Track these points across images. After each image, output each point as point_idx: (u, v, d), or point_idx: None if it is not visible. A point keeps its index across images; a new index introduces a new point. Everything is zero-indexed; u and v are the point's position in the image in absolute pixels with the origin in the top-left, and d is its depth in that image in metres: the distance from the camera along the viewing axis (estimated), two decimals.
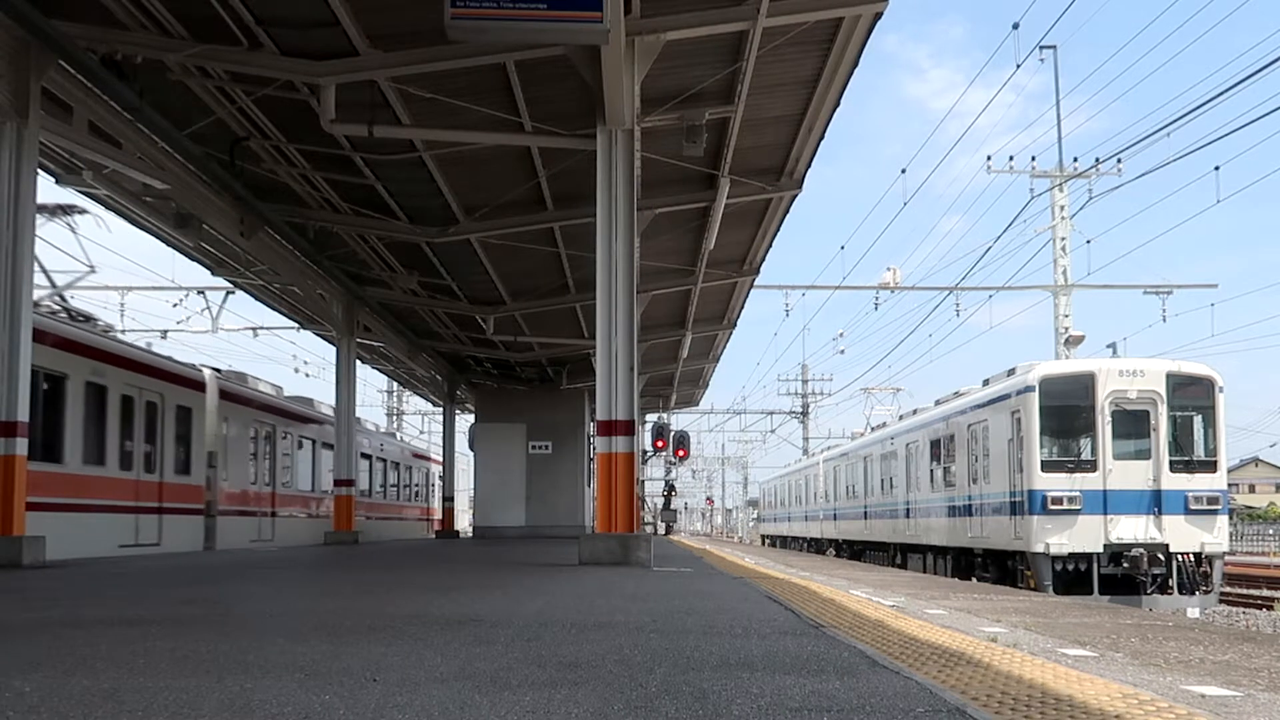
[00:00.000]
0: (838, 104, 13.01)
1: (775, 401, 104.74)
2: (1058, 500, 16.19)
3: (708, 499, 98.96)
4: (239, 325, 40.67)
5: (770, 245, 19.03)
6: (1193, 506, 16.19)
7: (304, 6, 10.33)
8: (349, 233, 17.74)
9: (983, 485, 18.76)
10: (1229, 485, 17.86)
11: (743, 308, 24.35)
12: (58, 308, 15.91)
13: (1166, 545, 16.05)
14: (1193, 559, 16.13)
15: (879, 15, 10.96)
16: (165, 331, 29.64)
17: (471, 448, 29.87)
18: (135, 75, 11.20)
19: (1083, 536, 16.10)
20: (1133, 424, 16.50)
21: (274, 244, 17.62)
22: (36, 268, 10.93)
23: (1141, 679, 3.98)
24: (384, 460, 30.61)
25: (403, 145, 13.70)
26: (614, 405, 10.60)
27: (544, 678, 3.20)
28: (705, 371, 33.92)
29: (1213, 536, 16.21)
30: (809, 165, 15.19)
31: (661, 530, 41.56)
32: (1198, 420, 16.66)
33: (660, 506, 42.60)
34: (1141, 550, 15.94)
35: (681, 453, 34.69)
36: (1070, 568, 16.17)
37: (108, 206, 16.04)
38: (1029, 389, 16.77)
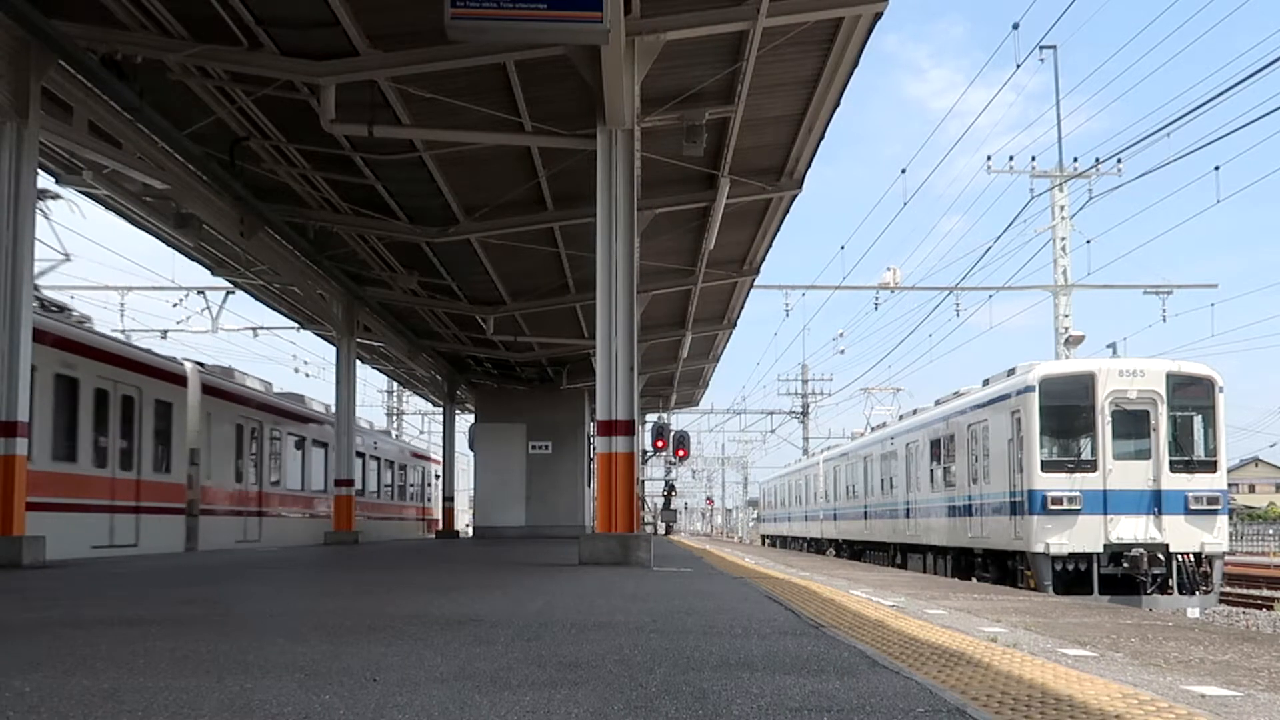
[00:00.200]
0: (838, 104, 13.02)
1: (775, 401, 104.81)
2: (1058, 500, 16.19)
3: (708, 499, 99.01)
4: (239, 325, 40.68)
5: (770, 245, 19.04)
6: (1193, 506, 16.20)
7: (304, 6, 10.33)
8: (349, 233, 17.74)
9: (983, 485, 18.76)
10: (1229, 485, 17.86)
11: (743, 308, 24.38)
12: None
13: (1166, 545, 16.06)
14: (1193, 559, 16.13)
15: (879, 15, 10.97)
16: (165, 331, 29.63)
17: (471, 448, 29.87)
18: (135, 75, 11.20)
19: (1083, 536, 16.10)
20: (1133, 424, 16.50)
21: (274, 244, 17.62)
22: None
23: (1141, 679, 3.98)
24: (378, 459, 30.21)
25: (403, 145, 13.70)
26: (614, 405, 10.60)
27: (544, 678, 3.20)
28: (705, 371, 33.92)
29: (1213, 536, 16.21)
30: (809, 165, 15.20)
31: (661, 530, 41.56)
32: (1198, 420, 16.66)
33: (660, 506, 42.59)
34: (1141, 550, 15.95)
35: (681, 453, 34.69)
36: (1070, 568, 16.18)
37: (108, 206, 16.04)
38: (1029, 389, 16.78)
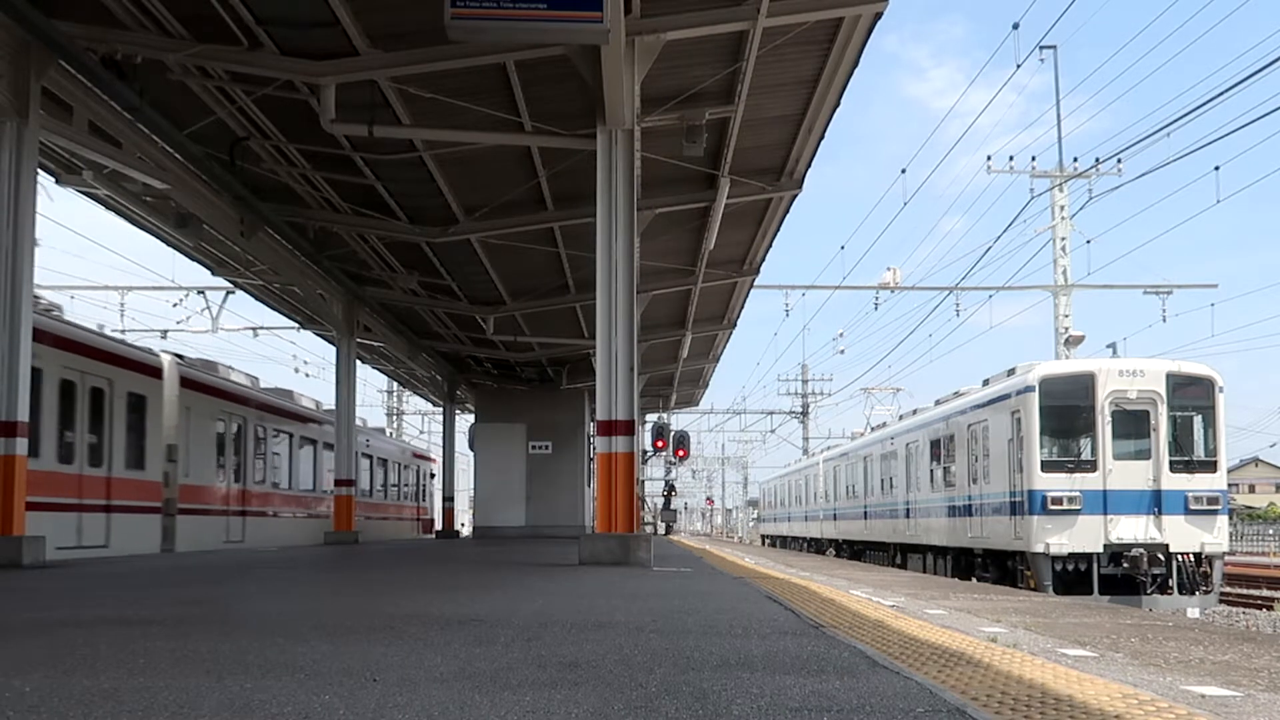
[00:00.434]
0: (838, 104, 13.02)
1: (775, 401, 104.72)
2: (1058, 500, 16.19)
3: (708, 499, 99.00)
4: (239, 325, 40.65)
5: (770, 245, 19.05)
6: (1193, 506, 16.20)
7: (304, 6, 10.33)
8: (349, 233, 17.74)
9: (983, 485, 18.76)
10: (1229, 485, 17.86)
11: (743, 308, 24.38)
12: None
13: (1166, 545, 16.06)
14: (1193, 559, 16.13)
15: (879, 15, 10.97)
16: (165, 331, 29.66)
17: (471, 448, 29.85)
18: (135, 75, 11.20)
19: (1083, 536, 16.10)
20: (1133, 424, 16.50)
21: (274, 244, 17.62)
22: None
23: (1141, 679, 3.98)
24: (370, 458, 29.41)
25: (403, 145, 13.70)
26: (614, 405, 10.60)
27: (544, 678, 3.20)
28: (705, 371, 33.92)
29: (1213, 536, 16.21)
30: (809, 165, 15.20)
31: (661, 530, 41.55)
32: (1198, 420, 16.67)
33: (660, 506, 42.59)
34: (1141, 550, 15.95)
35: (681, 453, 34.68)
36: (1070, 568, 16.17)
37: (108, 206, 16.05)
38: (1029, 389, 16.78)
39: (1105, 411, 16.43)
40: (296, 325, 27.04)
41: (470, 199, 15.87)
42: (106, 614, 5.28)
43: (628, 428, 10.59)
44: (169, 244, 18.39)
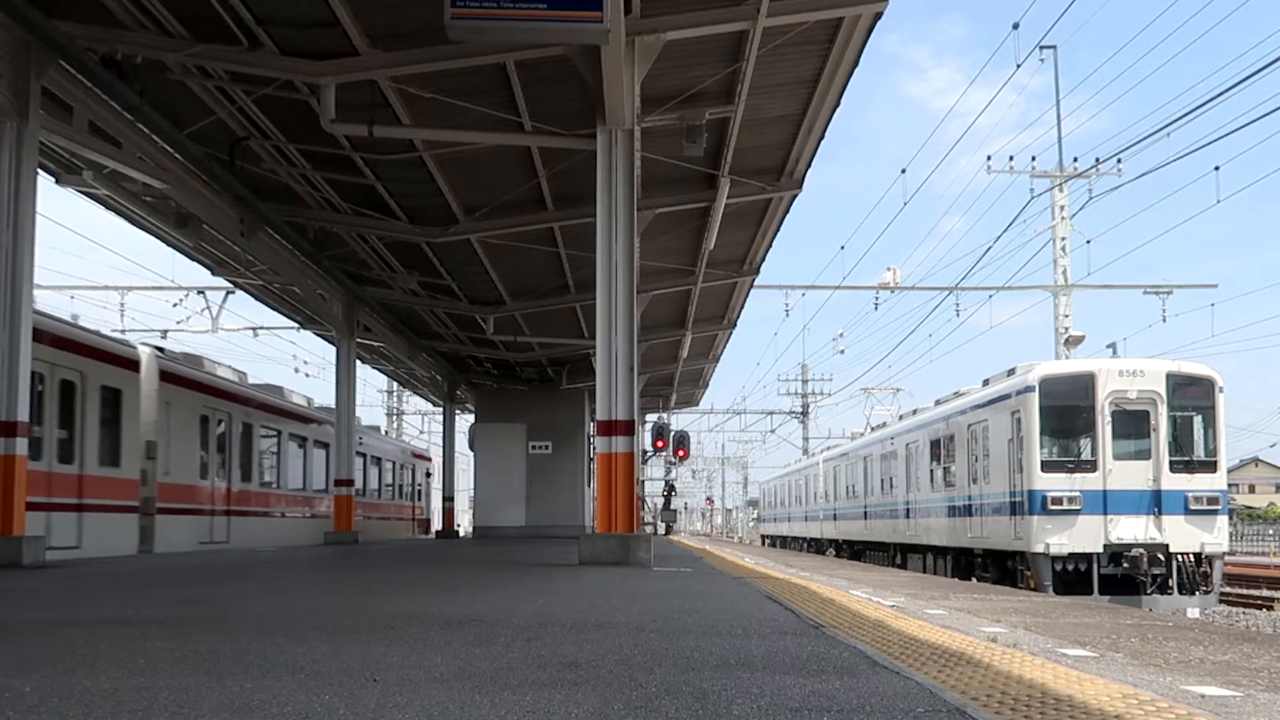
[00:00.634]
0: (838, 104, 13.02)
1: (775, 401, 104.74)
2: (1058, 500, 16.19)
3: (708, 499, 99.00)
4: (239, 325, 40.65)
5: (770, 245, 19.05)
6: (1193, 507, 16.20)
7: (304, 6, 10.33)
8: (349, 233, 17.74)
9: (983, 485, 18.76)
10: (1229, 485, 17.86)
11: (743, 308, 24.38)
12: None
13: (1166, 545, 16.06)
14: (1193, 559, 16.13)
15: (879, 15, 10.97)
16: (165, 331, 29.65)
17: (471, 448, 29.85)
18: (135, 75, 11.20)
19: (1083, 536, 16.10)
20: (1133, 424, 16.50)
21: (274, 244, 17.62)
22: None
23: (1141, 679, 3.98)
24: (363, 455, 28.28)
25: (403, 145, 13.70)
26: (614, 405, 10.60)
27: (544, 678, 3.20)
28: (705, 371, 33.92)
29: (1213, 536, 16.21)
30: (809, 165, 15.20)
31: (661, 530, 41.56)
32: (1198, 420, 16.67)
33: (660, 506, 42.60)
34: (1141, 550, 15.95)
35: (681, 453, 34.68)
36: (1070, 568, 16.18)
37: (108, 206, 16.05)
38: (1029, 389, 16.78)
39: (1105, 411, 16.43)
40: (296, 325, 27.04)
41: (470, 199, 15.87)
42: (106, 614, 5.28)
43: (628, 428, 10.59)
44: (169, 244, 18.39)
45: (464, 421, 33.87)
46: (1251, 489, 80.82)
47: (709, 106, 12.62)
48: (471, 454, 30.12)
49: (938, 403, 22.79)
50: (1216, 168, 23.92)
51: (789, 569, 13.75)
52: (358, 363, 24.41)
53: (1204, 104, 14.87)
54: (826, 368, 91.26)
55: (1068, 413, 16.71)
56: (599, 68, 9.96)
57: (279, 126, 13.48)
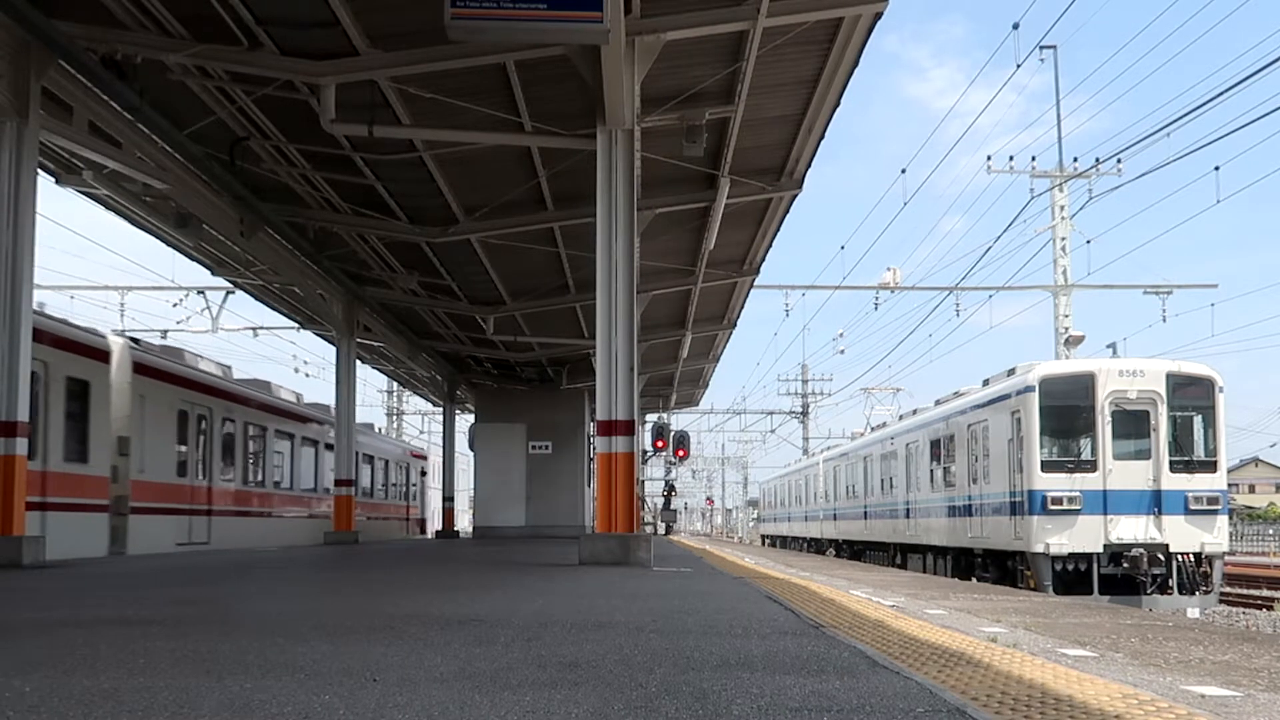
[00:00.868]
0: (838, 104, 13.02)
1: (775, 401, 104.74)
2: (1058, 500, 16.19)
3: (708, 499, 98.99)
4: (239, 325, 40.64)
5: (770, 245, 19.04)
6: (1193, 506, 16.20)
7: (304, 6, 10.33)
8: (349, 233, 17.74)
9: (983, 485, 18.76)
10: (1229, 485, 17.86)
11: (743, 308, 24.38)
12: None
13: (1166, 545, 16.06)
14: (1193, 559, 16.13)
15: (879, 15, 10.97)
16: (165, 331, 29.65)
17: (471, 448, 29.86)
18: (135, 75, 11.20)
19: (1083, 536, 16.10)
20: (1133, 424, 16.50)
21: (274, 244, 17.62)
22: None
23: (1141, 679, 3.98)
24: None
25: (403, 145, 13.70)
26: (614, 405, 10.60)
27: (544, 678, 3.20)
28: (705, 371, 33.92)
29: (1213, 536, 16.21)
30: (809, 165, 15.20)
31: (661, 530, 41.56)
32: (1198, 420, 16.67)
33: (660, 506, 42.60)
34: (1141, 550, 15.94)
35: (681, 453, 34.68)
36: (1070, 568, 16.17)
37: (108, 206, 16.05)
38: (1029, 389, 16.78)
39: (1105, 411, 16.43)
40: (296, 325, 27.05)
41: (470, 199, 15.87)
42: (106, 614, 5.28)
43: (628, 428, 10.59)
44: (169, 244, 18.39)
45: (464, 421, 33.88)
46: (1251, 489, 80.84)
47: (709, 106, 12.62)
48: (471, 454, 30.13)
49: (938, 403, 22.79)
50: (1216, 168, 23.95)
51: (789, 569, 13.75)
52: (358, 363, 24.40)
53: (1204, 104, 14.88)
54: (826, 368, 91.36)
55: (1068, 413, 16.70)
56: (599, 68, 9.96)
57: (279, 126, 13.48)
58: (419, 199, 15.85)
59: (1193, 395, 16.63)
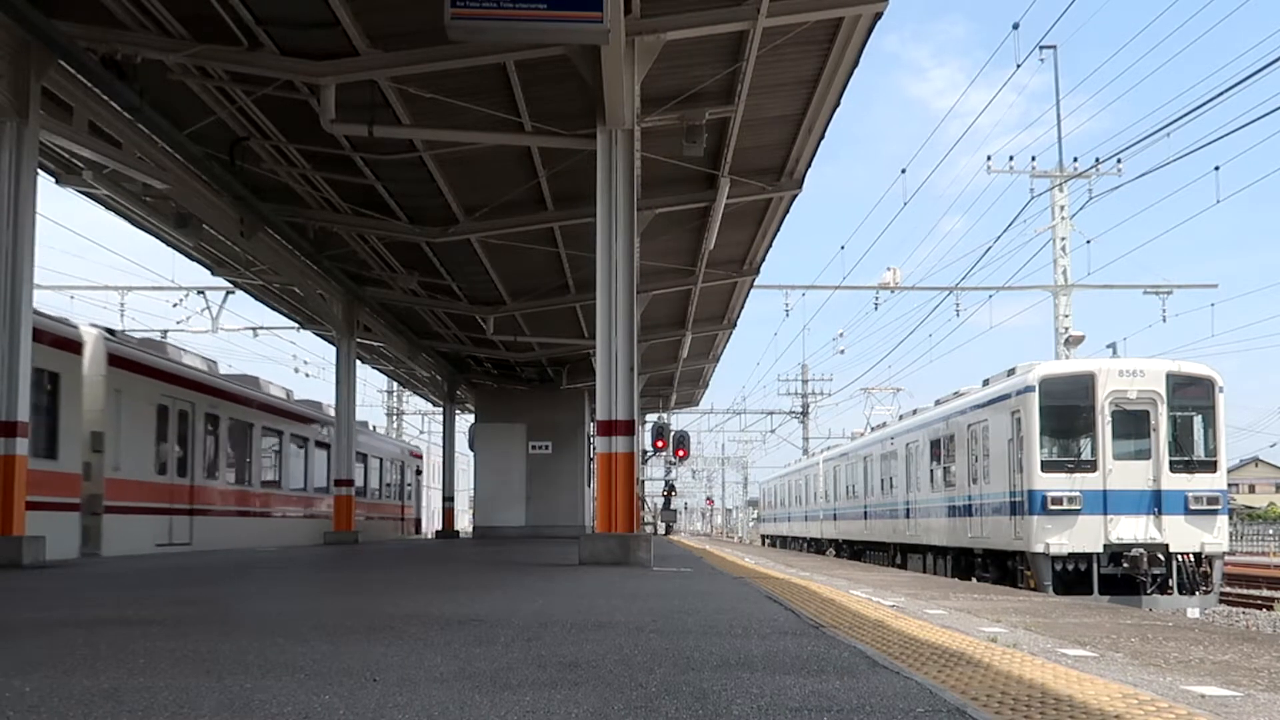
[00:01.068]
0: (838, 104, 13.02)
1: (775, 401, 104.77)
2: (1058, 500, 16.19)
3: (708, 499, 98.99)
4: (239, 325, 40.62)
5: (770, 245, 19.05)
6: (1193, 506, 16.19)
7: (304, 6, 10.34)
8: (349, 233, 17.74)
9: (983, 485, 18.76)
10: (1229, 485, 17.86)
11: (743, 308, 24.39)
12: None
13: (1166, 545, 16.05)
14: (1193, 559, 16.13)
15: (879, 15, 10.97)
16: (165, 331, 29.65)
17: (471, 448, 29.86)
18: (135, 75, 11.20)
19: (1083, 536, 16.10)
20: (1133, 424, 16.50)
21: (274, 244, 17.62)
22: None
23: (1141, 679, 3.97)
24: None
25: (403, 145, 13.70)
26: (614, 405, 10.60)
27: (544, 678, 3.20)
28: (705, 371, 33.93)
29: (1213, 536, 16.20)
30: (809, 165, 15.20)
31: (661, 530, 41.57)
32: (1198, 420, 16.66)
33: (660, 506, 42.61)
34: (1141, 550, 15.94)
35: (681, 453, 34.69)
36: (1070, 568, 16.17)
37: (108, 206, 16.05)
38: (1029, 389, 16.77)
39: (1105, 411, 16.43)
40: (296, 325, 27.06)
41: (470, 199, 15.87)
42: (106, 614, 5.28)
43: (628, 428, 10.59)
44: (169, 244, 18.39)
45: (464, 421, 33.87)
46: (1251, 489, 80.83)
47: (709, 106, 12.62)
48: (471, 454, 30.13)
49: (938, 403, 22.79)
50: (1216, 168, 23.95)
51: (789, 569, 13.75)
52: (358, 363, 24.40)
53: (1204, 104, 14.87)
54: (826, 368, 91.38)
55: (1068, 413, 16.70)
56: (599, 68, 9.96)
57: (279, 126, 13.48)
58: (419, 199, 15.85)
59: (1193, 395, 16.63)
